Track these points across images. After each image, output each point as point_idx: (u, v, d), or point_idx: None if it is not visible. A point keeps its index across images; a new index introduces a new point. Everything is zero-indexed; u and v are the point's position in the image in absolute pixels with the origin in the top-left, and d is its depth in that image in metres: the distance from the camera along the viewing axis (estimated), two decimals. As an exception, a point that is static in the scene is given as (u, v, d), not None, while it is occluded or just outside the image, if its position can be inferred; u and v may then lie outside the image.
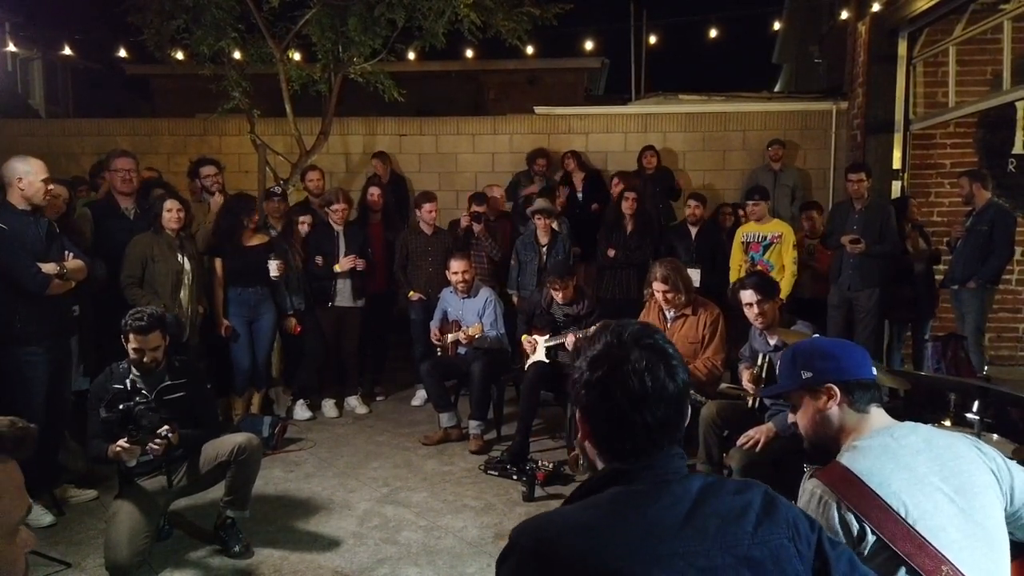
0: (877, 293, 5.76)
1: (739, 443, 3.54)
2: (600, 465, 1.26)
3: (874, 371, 1.79)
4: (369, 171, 7.72)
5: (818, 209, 6.47)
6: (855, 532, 1.54)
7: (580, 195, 7.24)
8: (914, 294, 6.18)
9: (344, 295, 5.69)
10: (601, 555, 1.07)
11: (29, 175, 3.65)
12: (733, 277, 5.90)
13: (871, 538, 1.53)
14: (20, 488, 1.16)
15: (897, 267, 5.95)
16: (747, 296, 3.64)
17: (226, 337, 5.08)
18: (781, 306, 3.77)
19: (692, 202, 6.21)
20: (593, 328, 1.18)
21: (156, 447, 3.11)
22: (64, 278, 3.73)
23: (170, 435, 3.15)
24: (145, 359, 3.30)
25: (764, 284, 3.64)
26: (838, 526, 1.55)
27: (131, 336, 3.29)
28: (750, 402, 3.82)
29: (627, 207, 6.05)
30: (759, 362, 3.73)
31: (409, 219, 6.38)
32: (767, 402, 3.75)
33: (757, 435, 3.50)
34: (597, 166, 7.83)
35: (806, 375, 1.82)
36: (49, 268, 3.66)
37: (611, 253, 6.06)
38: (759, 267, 5.71)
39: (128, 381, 3.31)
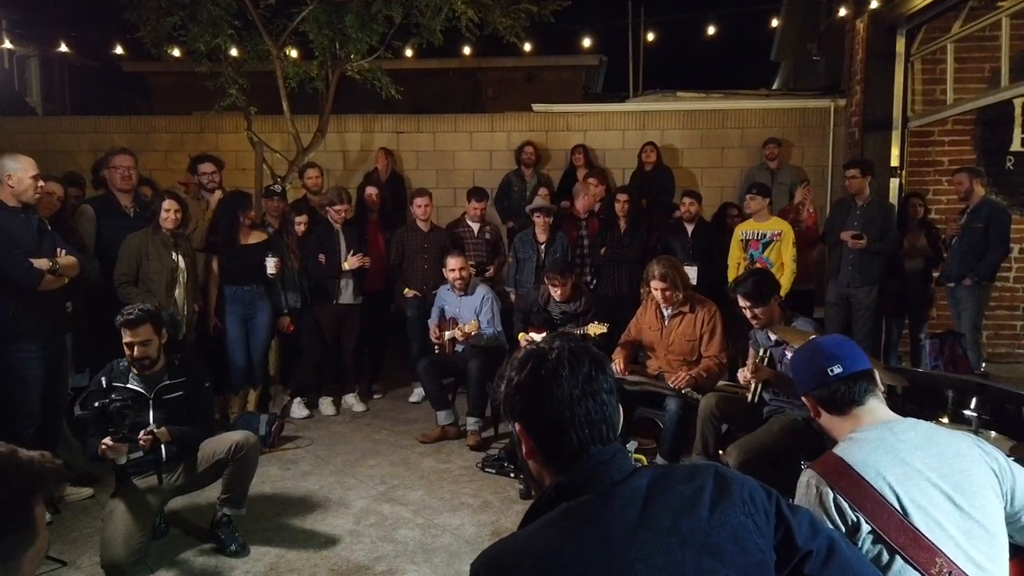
0: (876, 291, 5.75)
1: (740, 376, 3.71)
2: (547, 482, 1.25)
3: (836, 369, 1.74)
4: (367, 168, 7.71)
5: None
6: (850, 522, 1.55)
7: None
8: (904, 289, 6.19)
9: (347, 293, 5.69)
10: None
11: (18, 172, 3.66)
12: (732, 275, 5.90)
13: (865, 528, 1.53)
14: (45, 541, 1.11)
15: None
16: (740, 301, 3.67)
17: (214, 335, 5.07)
18: (781, 302, 3.76)
19: (687, 199, 6.20)
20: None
21: (143, 442, 3.11)
22: (56, 274, 3.72)
23: (155, 430, 3.15)
24: (136, 353, 3.30)
25: (755, 291, 3.61)
26: (835, 514, 1.55)
27: (122, 330, 3.30)
28: (749, 396, 3.83)
29: (619, 209, 6.05)
30: (760, 354, 3.74)
31: (406, 217, 6.36)
32: (766, 396, 3.76)
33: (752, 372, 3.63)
34: (596, 164, 7.81)
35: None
36: (41, 263, 3.65)
37: (603, 251, 6.05)
38: (758, 265, 5.71)
39: (103, 379, 3.32)
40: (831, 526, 1.53)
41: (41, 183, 3.75)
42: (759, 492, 1.20)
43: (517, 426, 1.26)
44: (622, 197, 6.09)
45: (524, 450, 1.26)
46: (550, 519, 1.15)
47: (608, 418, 1.22)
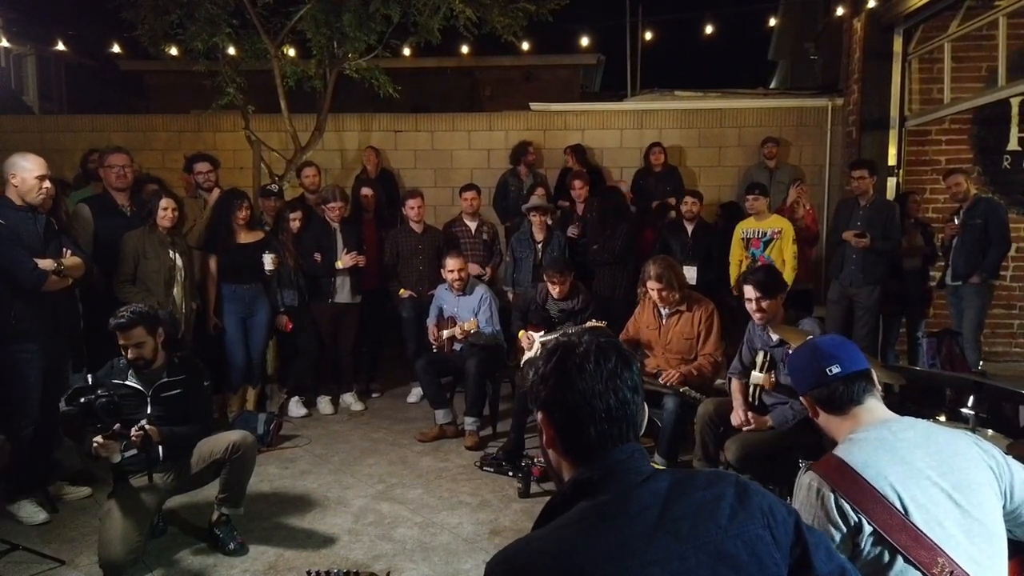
0: (878, 290, 5.76)
1: (735, 423, 3.66)
2: (565, 473, 1.25)
3: (835, 369, 1.75)
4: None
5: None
6: (852, 523, 1.55)
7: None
8: (902, 289, 6.20)
9: (343, 292, 5.68)
10: None
11: (24, 171, 3.64)
12: (733, 273, 5.92)
13: (867, 529, 1.53)
14: None
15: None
16: (748, 292, 3.66)
17: (215, 334, 5.07)
18: (784, 303, 3.76)
19: (688, 199, 6.20)
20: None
21: (134, 438, 3.11)
22: (61, 275, 3.71)
23: (146, 426, 3.15)
24: (129, 355, 3.31)
25: (766, 282, 3.62)
26: (837, 516, 1.55)
27: (115, 333, 3.30)
28: (748, 398, 3.82)
29: (576, 195, 6.22)
30: (760, 360, 3.72)
31: (400, 215, 6.35)
32: (767, 400, 3.75)
33: (749, 419, 3.61)
34: (593, 163, 7.81)
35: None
36: (46, 264, 3.64)
37: (594, 248, 6.04)
38: (759, 263, 5.71)
39: (91, 376, 3.31)
40: (837, 533, 1.55)
41: (47, 184, 3.73)
42: (779, 507, 1.20)
43: (540, 415, 1.27)
44: (581, 187, 6.28)
45: (544, 439, 1.28)
46: (567, 519, 1.15)
47: (629, 416, 1.22)
